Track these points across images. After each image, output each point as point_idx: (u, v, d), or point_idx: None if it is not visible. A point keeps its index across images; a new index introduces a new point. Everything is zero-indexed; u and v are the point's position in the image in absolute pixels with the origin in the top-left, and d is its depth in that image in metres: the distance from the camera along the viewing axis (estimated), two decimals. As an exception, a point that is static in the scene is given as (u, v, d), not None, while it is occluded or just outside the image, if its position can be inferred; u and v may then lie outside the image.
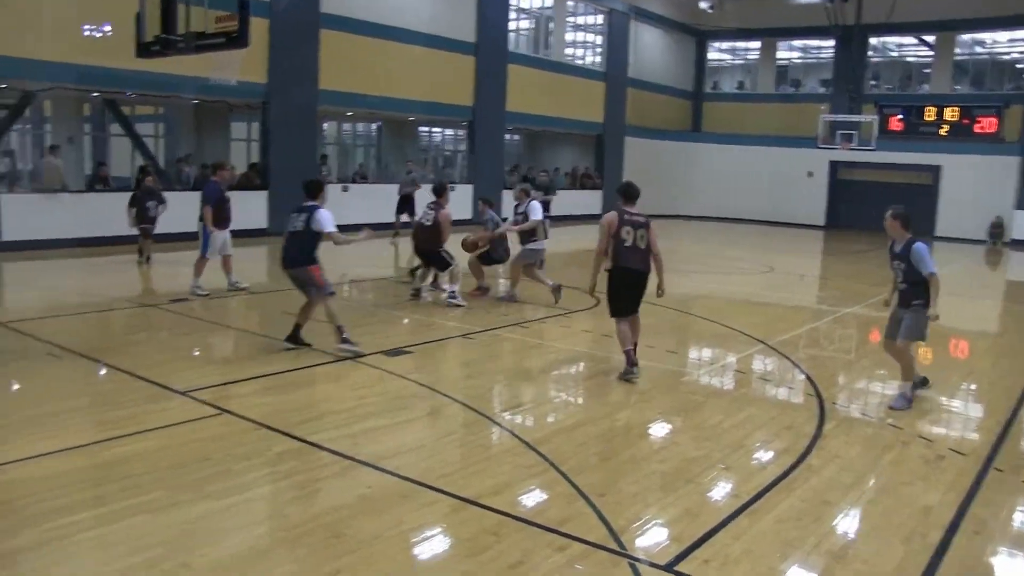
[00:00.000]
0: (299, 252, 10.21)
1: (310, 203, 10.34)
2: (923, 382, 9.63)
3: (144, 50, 13.33)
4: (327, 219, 10.20)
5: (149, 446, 6.85)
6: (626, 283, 9.68)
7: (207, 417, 7.65)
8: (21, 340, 10.42)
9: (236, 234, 20.12)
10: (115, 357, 9.62)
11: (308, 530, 5.47)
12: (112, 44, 18.12)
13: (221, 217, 13.63)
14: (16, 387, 8.84)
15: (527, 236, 14.27)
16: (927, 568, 5.37)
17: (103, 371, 9.20)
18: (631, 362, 9.70)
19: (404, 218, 22.84)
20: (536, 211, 14.35)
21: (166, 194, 17.47)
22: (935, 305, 9.07)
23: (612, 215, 9.73)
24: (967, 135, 33.41)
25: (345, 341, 10.13)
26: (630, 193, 9.96)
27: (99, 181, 20.75)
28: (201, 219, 13.55)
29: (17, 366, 9.47)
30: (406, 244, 17.29)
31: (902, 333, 9.23)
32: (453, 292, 13.56)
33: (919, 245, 9.10)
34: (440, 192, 13.74)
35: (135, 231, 16.91)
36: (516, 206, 14.70)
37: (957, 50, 38.21)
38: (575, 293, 15.31)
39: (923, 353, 12.54)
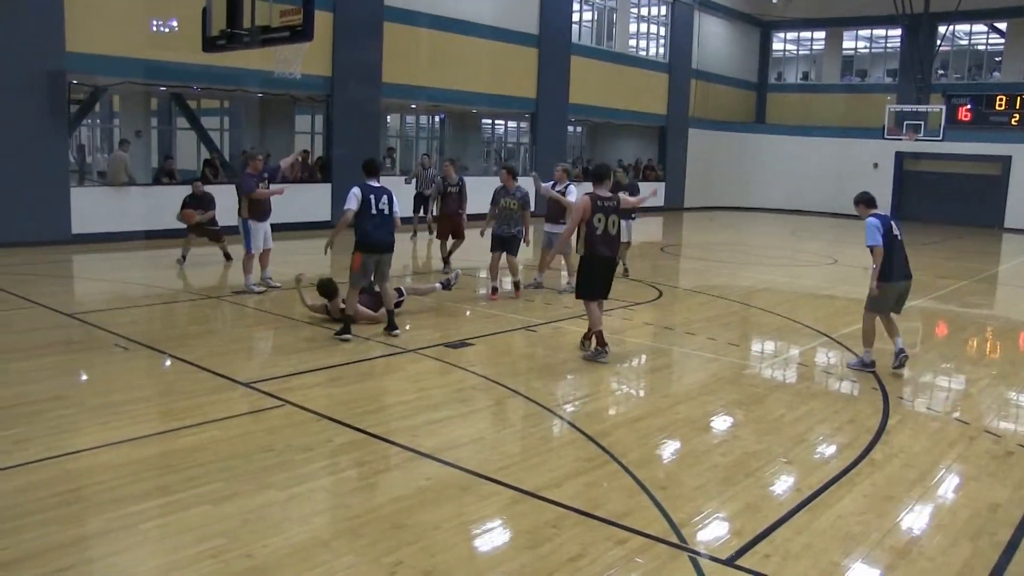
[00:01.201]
0: (393, 237, 10.62)
1: (381, 184, 10.59)
2: (899, 353, 9.98)
3: (210, 44, 13.49)
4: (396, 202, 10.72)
5: (212, 436, 6.95)
6: (598, 269, 10.08)
7: (269, 408, 7.74)
8: (89, 331, 10.62)
9: (298, 227, 20.37)
10: (179, 348, 9.77)
11: (369, 520, 5.51)
12: (179, 39, 18.44)
13: (260, 209, 13.45)
14: (84, 377, 9.00)
15: (556, 218, 14.33)
16: (995, 567, 5.26)
17: (168, 362, 9.34)
18: (603, 342, 10.02)
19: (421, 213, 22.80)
20: (574, 194, 14.27)
21: (230, 187, 17.50)
22: (872, 278, 9.82)
23: (587, 200, 9.98)
24: (1040, 124, 32.59)
25: (394, 326, 10.65)
26: (600, 175, 10.31)
27: (166, 174, 21.05)
28: (239, 214, 13.48)
29: (85, 356, 9.65)
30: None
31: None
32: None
33: (869, 219, 9.87)
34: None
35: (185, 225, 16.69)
36: (552, 185, 14.54)
37: (1032, 36, 37.35)
38: (635, 285, 15.27)
39: (991, 348, 12.32)
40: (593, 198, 9.97)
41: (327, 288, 11.34)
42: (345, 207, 10.40)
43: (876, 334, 10.10)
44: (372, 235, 10.41)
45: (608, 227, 9.95)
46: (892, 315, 10.16)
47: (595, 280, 10.11)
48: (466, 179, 16.88)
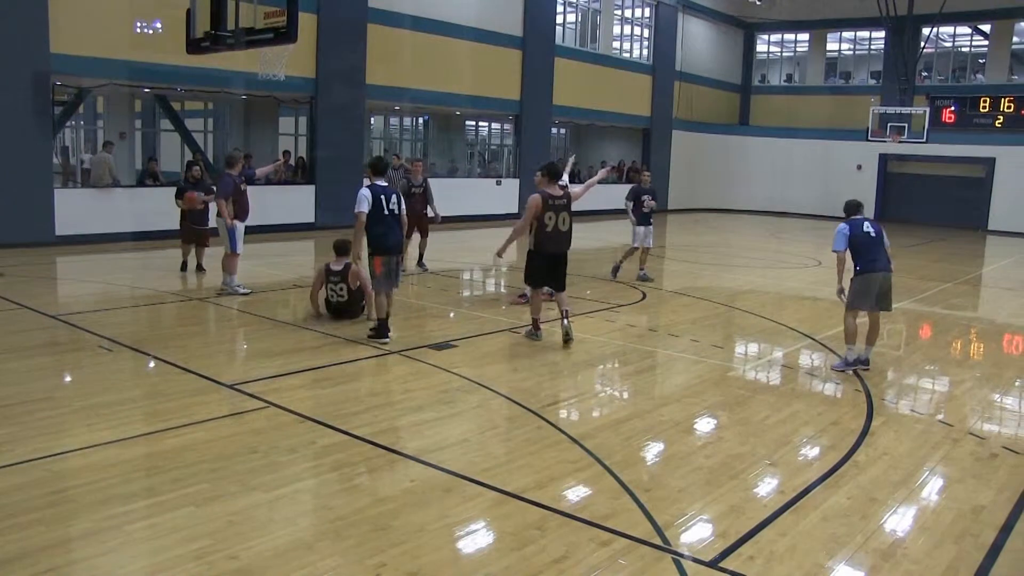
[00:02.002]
0: (402, 238, 10.74)
1: (387, 184, 10.65)
2: (865, 362, 10.26)
3: (194, 46, 13.45)
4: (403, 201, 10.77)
5: (198, 438, 6.94)
6: (546, 264, 10.79)
7: (254, 410, 7.73)
8: (74, 333, 10.59)
9: (283, 228, 20.30)
10: (164, 350, 9.75)
11: (353, 522, 5.50)
12: (163, 40, 18.40)
13: (240, 210, 13.32)
14: (69, 379, 8.98)
15: None
16: (979, 569, 5.29)
17: (152, 364, 9.32)
18: (537, 327, 11.10)
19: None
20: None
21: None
22: (837, 281, 10.39)
23: (538, 198, 10.62)
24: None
25: (385, 332, 10.59)
26: (553, 173, 10.88)
27: (149, 176, 20.98)
28: (219, 215, 13.27)
29: (70, 358, 9.64)
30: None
31: None
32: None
33: (840, 226, 10.29)
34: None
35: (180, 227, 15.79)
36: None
37: (1015, 39, 37.52)
38: (619, 287, 15.29)
39: (974, 350, 12.37)
40: (544, 196, 10.54)
41: (342, 248, 11.46)
42: (356, 210, 10.22)
43: (858, 333, 10.25)
44: (387, 238, 10.40)
45: (559, 224, 10.62)
46: (879, 318, 10.32)
47: (543, 272, 10.82)
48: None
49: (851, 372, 9.98)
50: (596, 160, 36.40)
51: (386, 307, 10.56)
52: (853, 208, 10.40)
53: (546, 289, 11.26)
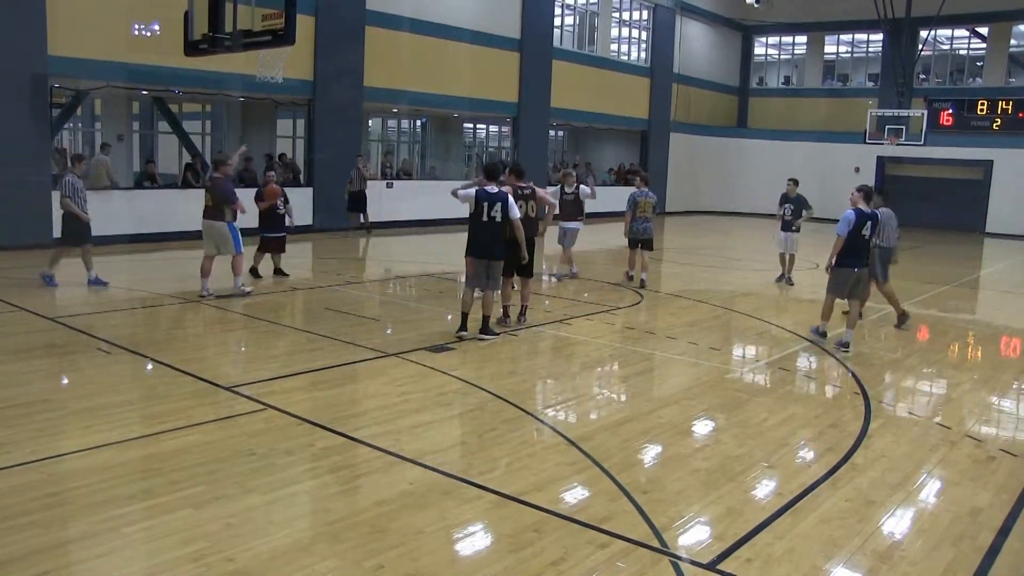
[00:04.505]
0: (499, 246, 10.75)
1: (498, 190, 10.81)
2: (822, 334, 11.84)
3: (192, 48, 13.42)
4: (515, 206, 10.90)
5: (195, 440, 6.93)
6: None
7: (252, 412, 7.72)
8: (72, 335, 10.57)
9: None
10: (162, 352, 9.74)
11: (351, 525, 5.50)
12: (161, 43, 18.34)
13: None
14: (67, 381, 8.97)
15: (572, 215, 16.36)
16: (977, 571, 5.29)
17: (150, 366, 9.31)
18: (506, 315, 11.91)
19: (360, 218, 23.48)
20: (586, 190, 16.38)
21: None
22: (829, 258, 11.41)
23: (508, 191, 11.41)
24: (1021, 129, 32.67)
25: (489, 330, 11.10)
26: (518, 172, 12.34)
27: (147, 178, 20.96)
28: (223, 218, 13.32)
29: (68, 360, 9.62)
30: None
31: None
32: None
33: (847, 212, 11.24)
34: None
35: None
36: (559, 187, 16.44)
37: (1012, 41, 37.55)
38: (617, 289, 15.28)
39: (972, 352, 12.36)
40: (512, 189, 11.65)
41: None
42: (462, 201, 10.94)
43: (832, 314, 11.79)
44: (479, 242, 10.71)
45: (528, 211, 11.84)
46: (857, 305, 11.46)
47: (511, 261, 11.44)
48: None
49: (816, 339, 11.66)
50: (596, 162, 36.45)
51: (469, 300, 11.00)
52: (868, 196, 11.39)
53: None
